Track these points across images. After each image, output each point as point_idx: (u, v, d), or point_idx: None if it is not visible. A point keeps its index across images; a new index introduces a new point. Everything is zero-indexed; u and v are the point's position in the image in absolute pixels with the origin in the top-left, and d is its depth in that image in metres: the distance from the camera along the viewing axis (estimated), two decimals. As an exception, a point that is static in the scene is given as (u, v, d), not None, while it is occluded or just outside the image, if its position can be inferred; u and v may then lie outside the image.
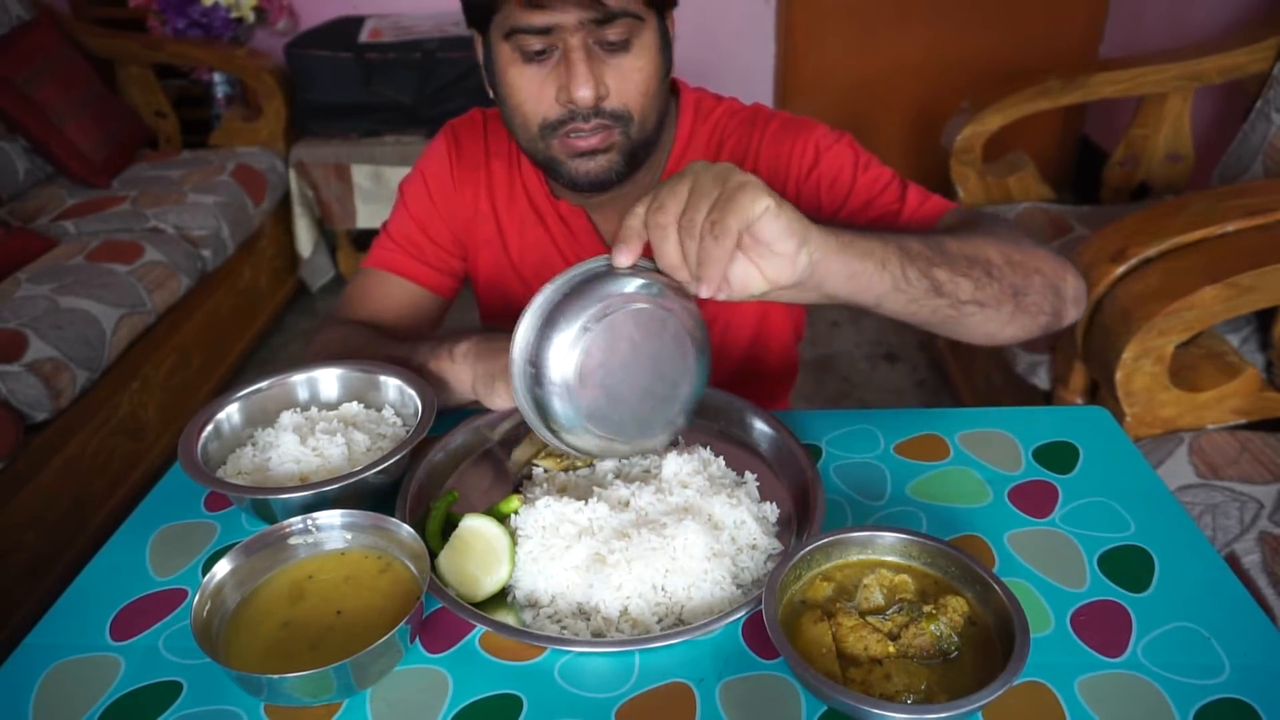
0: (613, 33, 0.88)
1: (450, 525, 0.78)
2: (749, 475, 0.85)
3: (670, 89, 1.04)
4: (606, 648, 0.68)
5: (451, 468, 0.89)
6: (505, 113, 0.97)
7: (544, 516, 0.76)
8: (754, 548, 0.77)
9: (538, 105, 0.92)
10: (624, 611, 0.71)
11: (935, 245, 0.79)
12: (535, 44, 0.88)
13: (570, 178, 0.96)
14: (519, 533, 0.76)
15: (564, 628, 0.71)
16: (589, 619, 0.72)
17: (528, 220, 1.11)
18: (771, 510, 0.81)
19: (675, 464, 0.82)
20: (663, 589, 0.72)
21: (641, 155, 0.98)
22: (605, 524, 0.76)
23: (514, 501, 0.80)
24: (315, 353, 1.06)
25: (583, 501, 0.77)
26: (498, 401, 0.89)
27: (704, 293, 0.66)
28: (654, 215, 0.67)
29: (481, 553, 0.74)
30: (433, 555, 0.75)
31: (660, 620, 0.71)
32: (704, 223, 0.64)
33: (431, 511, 0.80)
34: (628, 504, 0.78)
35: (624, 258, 0.69)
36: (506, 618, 0.72)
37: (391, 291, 1.13)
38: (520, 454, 0.89)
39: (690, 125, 1.07)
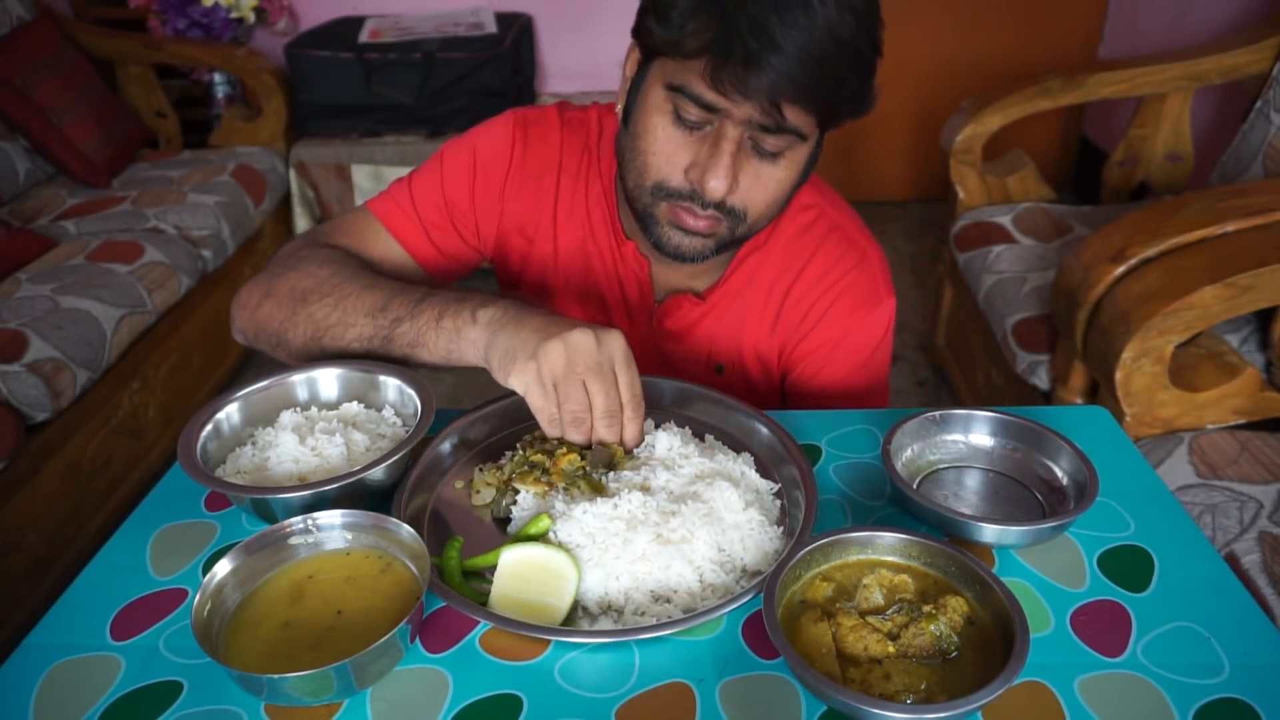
0: (771, 143, 0.84)
1: (467, 570, 0.76)
2: (708, 436, 0.89)
3: None
4: (607, 638, 0.68)
5: (448, 469, 0.88)
6: (626, 143, 0.92)
7: (586, 523, 0.75)
8: (759, 491, 0.81)
9: (664, 166, 0.88)
10: (702, 582, 0.73)
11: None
12: (694, 114, 0.84)
13: (658, 241, 0.93)
14: (565, 545, 0.75)
15: (654, 618, 0.70)
16: (670, 601, 0.72)
17: (579, 244, 1.06)
18: (747, 458, 0.85)
19: (665, 440, 0.84)
20: (720, 549, 0.75)
21: (734, 247, 0.96)
22: (649, 509, 0.76)
23: (544, 520, 0.77)
24: (302, 269, 0.95)
25: (615, 498, 0.77)
26: (516, 382, 0.81)
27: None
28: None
29: (540, 579, 0.72)
30: (461, 598, 0.71)
31: (735, 578, 0.74)
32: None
33: (445, 565, 0.76)
34: (649, 487, 0.79)
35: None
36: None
37: (386, 251, 1.04)
38: (481, 500, 0.84)
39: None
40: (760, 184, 0.88)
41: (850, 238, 1.05)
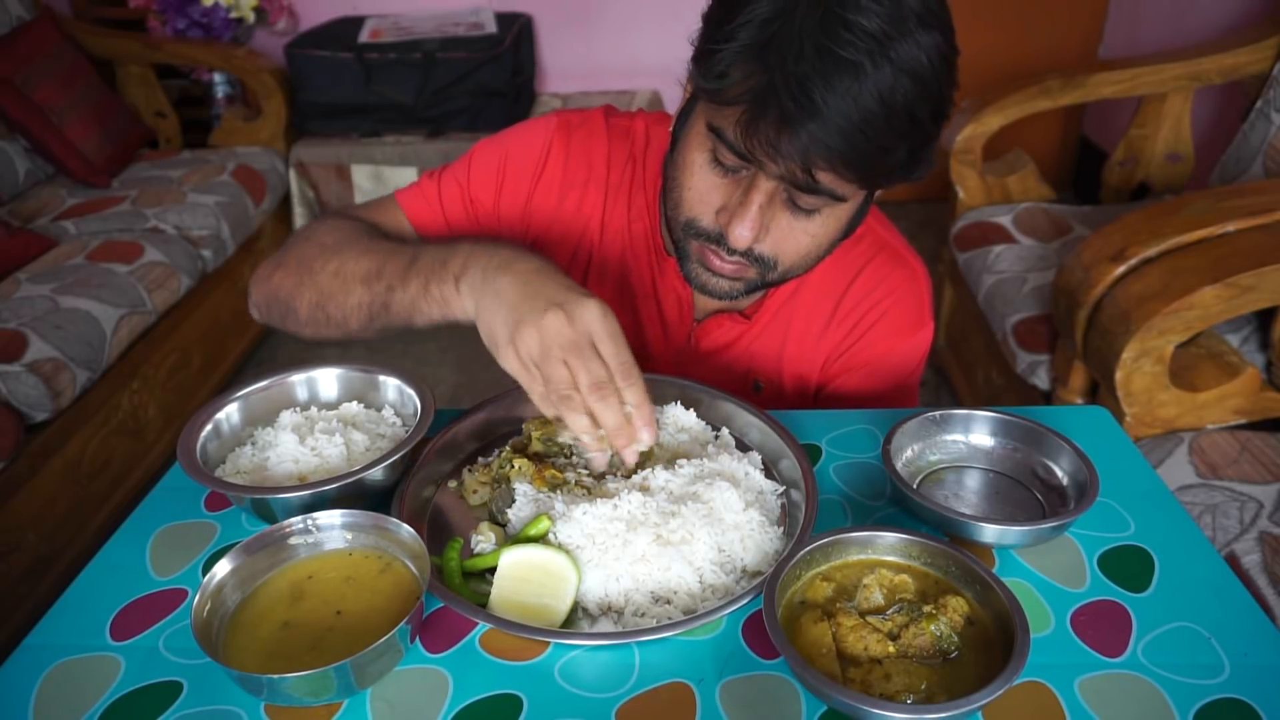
0: (806, 201, 0.81)
1: (467, 571, 0.76)
2: (724, 431, 0.90)
3: None
4: (607, 640, 0.68)
5: (447, 469, 0.89)
6: (669, 170, 0.91)
7: (586, 524, 0.75)
8: (761, 492, 0.81)
9: (696, 205, 0.86)
10: (703, 582, 0.73)
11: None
12: (729, 160, 0.81)
13: (688, 276, 0.92)
14: (565, 547, 0.75)
15: (654, 619, 0.70)
16: (670, 602, 0.72)
17: (618, 257, 1.05)
18: (754, 458, 0.85)
19: (676, 417, 0.88)
20: (720, 549, 0.74)
21: (765, 290, 0.94)
22: (649, 510, 0.76)
23: (544, 521, 0.76)
24: (313, 238, 0.96)
25: (614, 499, 0.77)
26: (504, 365, 0.78)
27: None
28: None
29: (540, 580, 0.72)
30: (460, 599, 0.72)
31: (735, 578, 0.74)
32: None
33: (445, 566, 0.76)
34: (649, 488, 0.79)
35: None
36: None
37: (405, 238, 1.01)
38: (477, 500, 0.84)
39: None
40: (792, 237, 0.85)
41: (900, 255, 1.05)
